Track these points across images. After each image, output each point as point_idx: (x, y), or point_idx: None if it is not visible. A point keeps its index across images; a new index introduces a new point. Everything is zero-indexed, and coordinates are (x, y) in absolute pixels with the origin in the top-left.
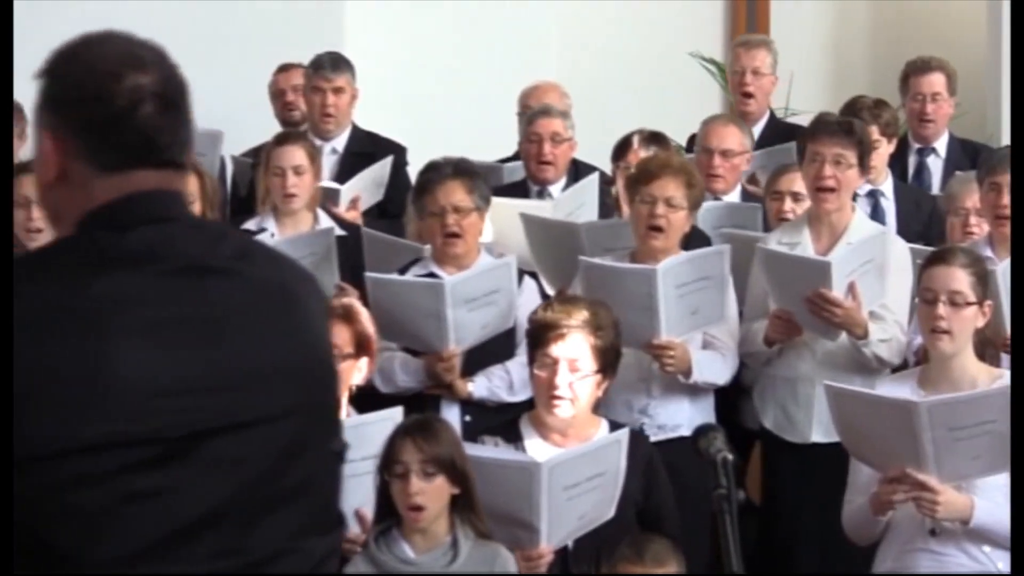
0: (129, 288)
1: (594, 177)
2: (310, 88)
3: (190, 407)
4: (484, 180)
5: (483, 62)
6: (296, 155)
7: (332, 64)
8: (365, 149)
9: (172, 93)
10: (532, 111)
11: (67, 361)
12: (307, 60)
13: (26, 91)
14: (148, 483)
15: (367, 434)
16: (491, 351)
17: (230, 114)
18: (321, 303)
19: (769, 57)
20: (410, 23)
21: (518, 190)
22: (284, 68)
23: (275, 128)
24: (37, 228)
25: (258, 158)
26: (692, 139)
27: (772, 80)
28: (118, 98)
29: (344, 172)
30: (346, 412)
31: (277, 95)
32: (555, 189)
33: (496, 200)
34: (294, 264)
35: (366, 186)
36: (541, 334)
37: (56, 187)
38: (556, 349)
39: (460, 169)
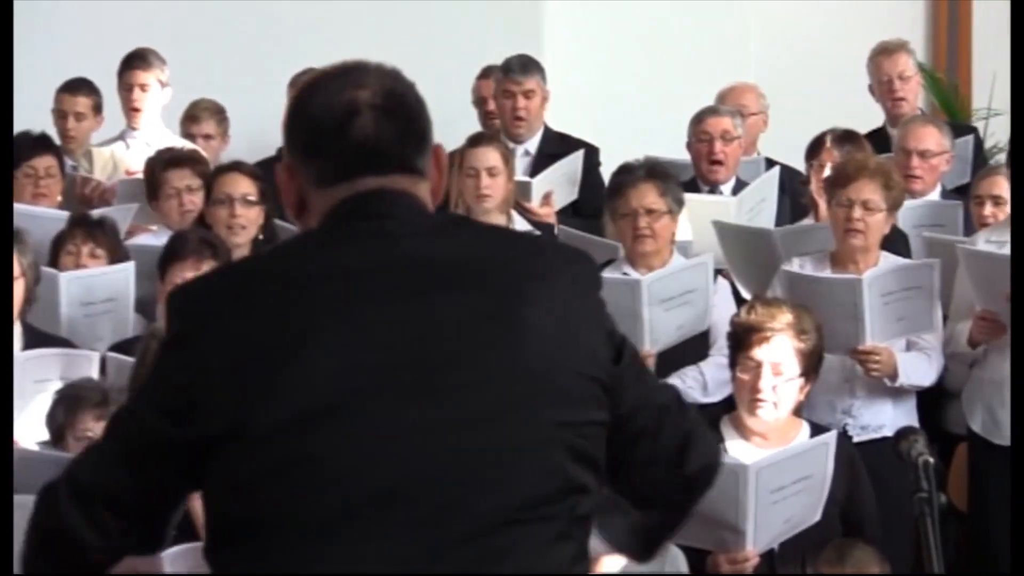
0: (333, 269)
1: (775, 172)
2: (500, 92)
3: (389, 378)
4: (678, 183)
5: (680, 63)
6: (490, 156)
7: (521, 67)
8: (558, 150)
9: (392, 104)
10: (700, 110)
11: (270, 335)
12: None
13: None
14: (348, 450)
15: None
16: (685, 351)
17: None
18: (543, 292)
19: (911, 60)
20: (608, 24)
21: (688, 190)
22: (485, 74)
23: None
24: (241, 225)
25: (452, 160)
26: (873, 134)
27: (918, 81)
28: (332, 114)
29: (537, 173)
30: None
31: (479, 102)
32: (725, 188)
33: (690, 197)
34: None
35: (558, 182)
36: (744, 336)
37: (301, 217)
38: (760, 352)
39: (653, 172)
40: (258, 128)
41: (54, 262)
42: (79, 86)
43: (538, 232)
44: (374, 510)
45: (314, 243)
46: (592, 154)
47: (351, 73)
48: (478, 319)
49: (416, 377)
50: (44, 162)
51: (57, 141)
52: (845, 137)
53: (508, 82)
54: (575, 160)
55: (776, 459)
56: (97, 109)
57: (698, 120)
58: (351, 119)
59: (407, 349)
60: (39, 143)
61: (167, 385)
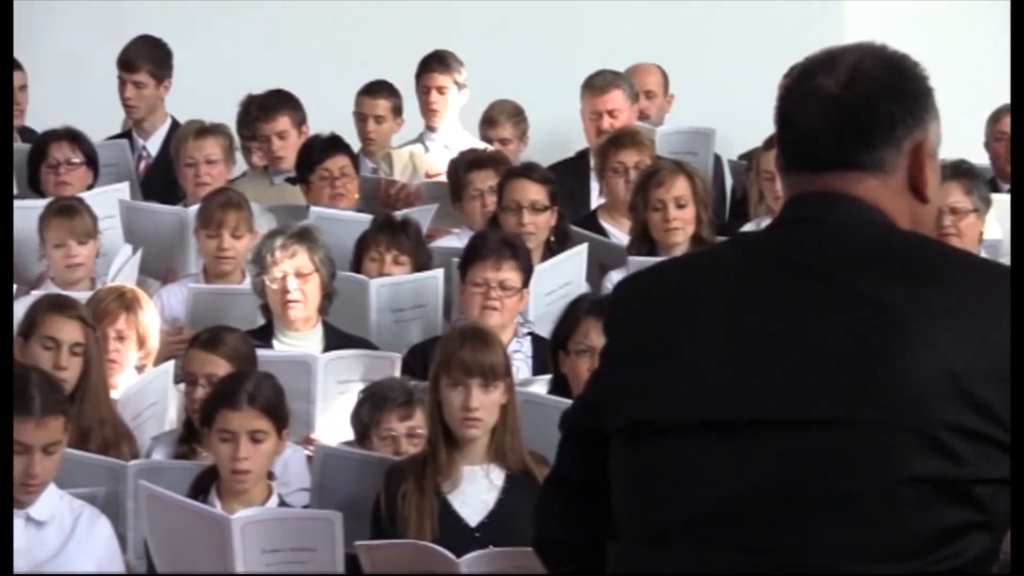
0: (726, 281)
1: None
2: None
3: (751, 397)
4: (985, 181)
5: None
6: None
7: None
8: None
9: (854, 96)
10: (997, 109)
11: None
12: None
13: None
14: (698, 461)
15: None
16: None
17: (730, 114)
18: (937, 327)
19: None
20: (907, 20)
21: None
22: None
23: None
24: (530, 232)
25: (751, 162)
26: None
27: None
28: (791, 97)
29: None
30: None
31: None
32: None
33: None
34: (918, 286)
35: None
36: None
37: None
38: None
39: (958, 171)
40: (556, 130)
41: (357, 266)
42: (379, 89)
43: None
44: (716, 527)
45: (742, 245)
46: None
47: (829, 51)
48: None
49: (785, 404)
50: (338, 163)
51: (357, 144)
52: None
53: None
54: None
55: None
56: (397, 111)
57: (995, 119)
58: (809, 110)
59: (783, 370)
60: (332, 144)
61: (595, 373)
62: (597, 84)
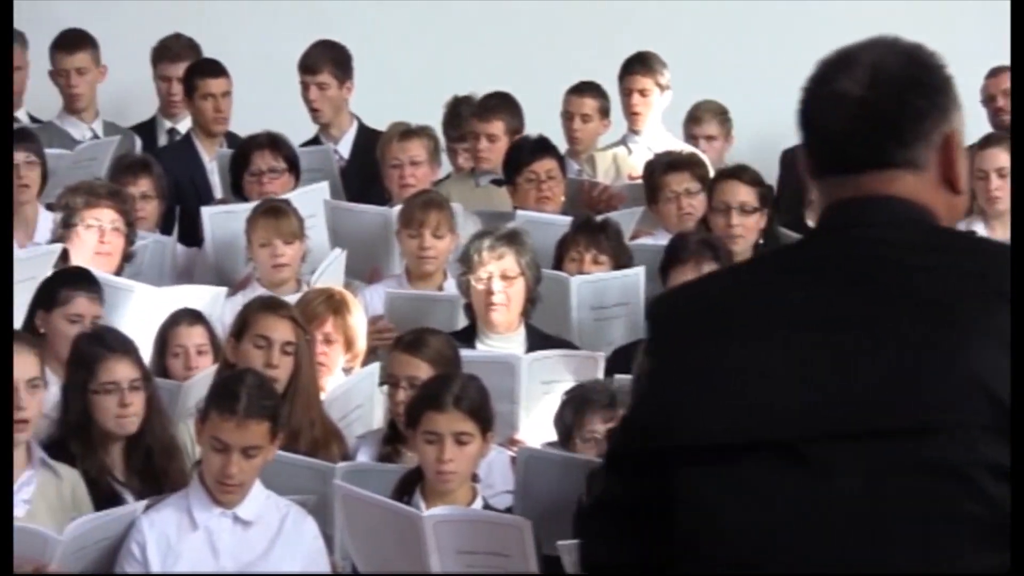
0: (776, 293)
1: None
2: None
3: (818, 411)
4: None
5: None
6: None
7: None
8: None
9: (880, 96)
10: None
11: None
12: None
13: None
14: (768, 483)
15: None
16: None
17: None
18: (994, 329)
19: None
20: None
21: None
22: (995, 72)
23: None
24: (738, 235)
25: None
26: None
27: None
28: (813, 102)
29: None
30: None
31: (987, 100)
32: None
33: None
34: (974, 283)
35: None
36: None
37: None
38: None
39: None
40: (762, 128)
41: (557, 266)
42: (587, 88)
43: None
44: (793, 548)
45: (786, 256)
46: None
47: (847, 51)
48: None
49: (855, 416)
50: (545, 165)
51: (565, 146)
52: None
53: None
54: None
55: None
56: (604, 112)
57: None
58: (827, 111)
59: (851, 381)
60: (540, 146)
61: (641, 394)
62: None
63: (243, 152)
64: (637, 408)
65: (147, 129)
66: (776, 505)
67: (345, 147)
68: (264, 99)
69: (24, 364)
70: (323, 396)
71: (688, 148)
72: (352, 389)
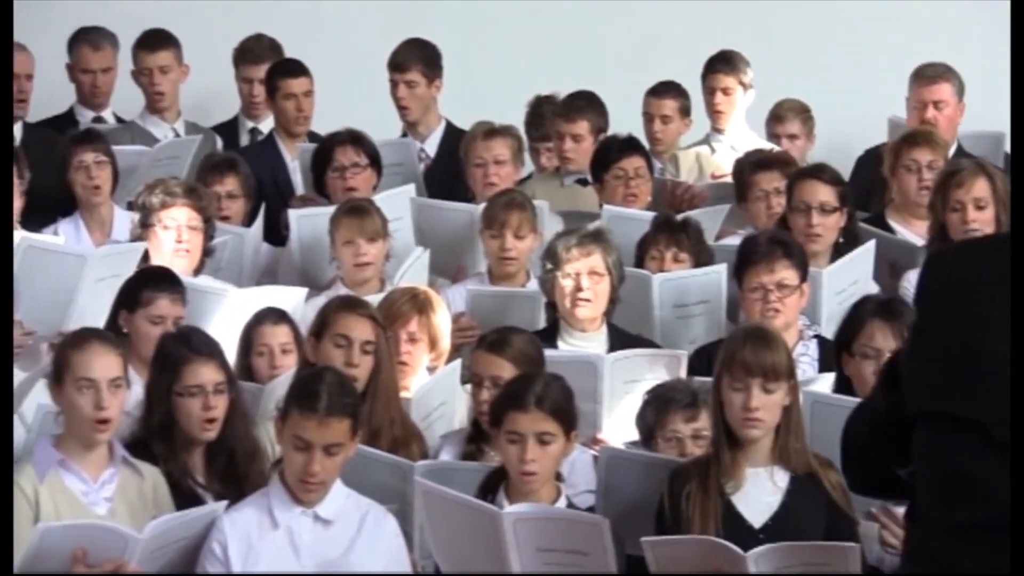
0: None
1: None
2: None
3: None
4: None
5: None
6: None
7: None
8: None
9: None
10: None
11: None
12: None
13: None
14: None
15: None
16: None
17: None
18: None
19: None
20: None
21: None
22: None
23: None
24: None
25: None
26: None
27: None
28: None
29: None
30: None
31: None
32: None
33: None
34: None
35: None
36: None
37: None
38: None
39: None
40: (843, 127)
41: (639, 264)
42: (666, 89)
43: None
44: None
45: None
46: None
47: None
48: None
49: None
50: (633, 163)
51: (646, 143)
52: None
53: None
54: None
55: None
56: (684, 112)
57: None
58: None
59: None
60: (628, 144)
61: (906, 349)
62: (927, 74)
63: (325, 148)
64: (904, 363)
65: (229, 129)
66: (997, 486)
67: (432, 146)
68: (347, 99)
69: (107, 364)
70: (407, 395)
71: (774, 147)
72: (435, 387)
